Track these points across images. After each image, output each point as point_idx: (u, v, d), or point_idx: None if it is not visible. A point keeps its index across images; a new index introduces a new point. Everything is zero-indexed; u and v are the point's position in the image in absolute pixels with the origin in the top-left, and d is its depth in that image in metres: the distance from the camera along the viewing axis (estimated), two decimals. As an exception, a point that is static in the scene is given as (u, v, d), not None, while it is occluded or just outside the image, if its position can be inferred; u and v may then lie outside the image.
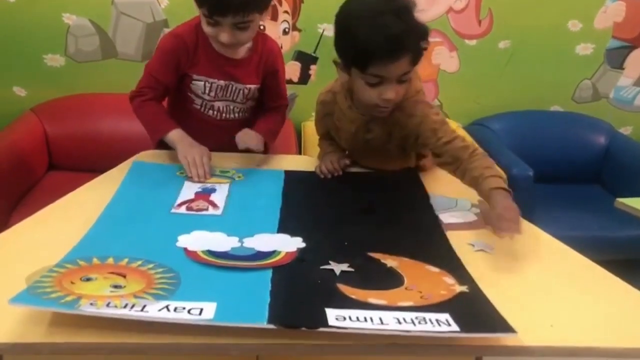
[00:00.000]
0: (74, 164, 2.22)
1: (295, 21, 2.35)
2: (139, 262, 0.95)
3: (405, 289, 0.92)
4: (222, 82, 1.53)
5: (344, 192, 1.41)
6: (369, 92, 1.28)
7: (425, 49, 1.26)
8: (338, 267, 0.97)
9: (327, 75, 2.39)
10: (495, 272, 1.09)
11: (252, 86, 1.57)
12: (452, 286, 0.92)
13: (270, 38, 1.60)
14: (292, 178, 1.47)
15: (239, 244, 1.07)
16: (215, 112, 1.59)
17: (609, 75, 2.66)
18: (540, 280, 1.08)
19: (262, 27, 1.76)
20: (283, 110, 1.71)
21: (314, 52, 2.41)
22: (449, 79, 2.58)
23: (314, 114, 1.56)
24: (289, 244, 1.07)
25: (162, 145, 1.55)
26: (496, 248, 1.20)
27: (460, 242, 1.20)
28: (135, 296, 0.83)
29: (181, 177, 1.44)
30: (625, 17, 2.53)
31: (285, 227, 1.16)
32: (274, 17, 2.31)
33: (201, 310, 0.81)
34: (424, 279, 0.96)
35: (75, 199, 1.31)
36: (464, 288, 0.91)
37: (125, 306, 0.80)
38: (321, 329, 0.78)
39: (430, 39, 2.62)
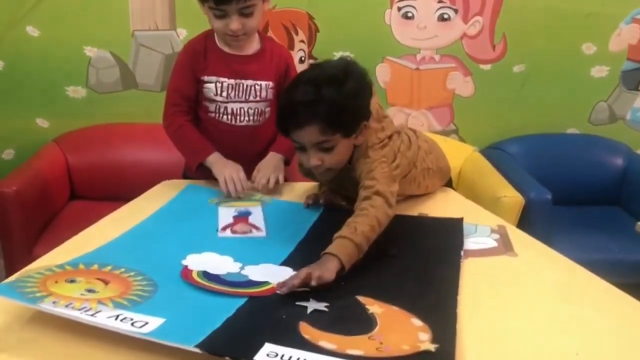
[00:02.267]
0: (96, 193, 2.26)
1: (311, 50, 2.39)
2: (122, 270, 1.05)
3: (369, 338, 0.89)
4: (232, 81, 1.56)
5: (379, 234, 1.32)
6: (300, 156, 1.32)
7: (349, 118, 1.24)
8: (313, 305, 0.96)
9: (343, 101, 2.44)
10: (517, 300, 1.09)
11: (263, 82, 1.59)
12: (420, 342, 0.87)
13: (279, 43, 1.68)
14: (328, 213, 1.45)
15: (237, 270, 1.10)
16: (229, 117, 1.60)
17: (625, 97, 2.66)
18: (563, 306, 1.08)
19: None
20: None
21: (330, 79, 2.44)
22: (464, 104, 2.59)
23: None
24: (284, 277, 1.06)
25: (191, 172, 1.62)
26: (517, 275, 1.21)
27: (478, 269, 1.21)
28: (100, 302, 0.90)
29: (213, 205, 1.48)
30: (640, 39, 2.54)
31: (291, 259, 1.17)
32: (290, 46, 2.35)
33: (145, 323, 0.85)
34: (397, 331, 0.92)
35: (100, 229, 1.34)
36: (431, 347, 0.86)
37: (82, 309, 0.87)
38: None
39: (444, 65, 2.67)
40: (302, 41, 2.36)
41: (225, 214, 1.42)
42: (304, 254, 1.21)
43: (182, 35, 2.30)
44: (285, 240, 1.27)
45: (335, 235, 1.15)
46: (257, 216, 1.40)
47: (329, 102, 1.20)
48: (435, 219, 1.45)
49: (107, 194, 2.21)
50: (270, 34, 2.32)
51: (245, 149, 1.64)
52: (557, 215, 2.19)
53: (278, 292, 1.01)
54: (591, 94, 2.64)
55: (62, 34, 2.27)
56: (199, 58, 1.55)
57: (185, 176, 1.71)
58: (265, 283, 1.05)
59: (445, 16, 2.46)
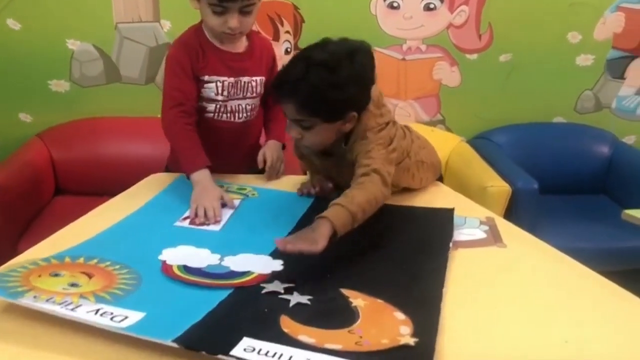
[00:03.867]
0: (81, 188, 2.24)
1: (297, 41, 2.37)
2: (108, 263, 1.05)
3: (348, 331, 0.88)
4: (232, 79, 1.53)
5: (369, 224, 1.29)
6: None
7: (328, 103, 1.22)
8: (296, 299, 0.96)
9: (329, 93, 2.42)
10: (505, 291, 1.09)
11: (258, 78, 1.59)
12: (400, 337, 0.86)
13: (262, 36, 1.67)
14: (320, 205, 1.40)
15: (217, 262, 1.09)
16: (229, 115, 1.59)
17: (610, 86, 2.67)
18: (551, 296, 1.08)
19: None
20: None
21: (316, 71, 2.42)
22: (451, 94, 2.59)
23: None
24: (265, 266, 1.07)
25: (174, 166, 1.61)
26: (505, 265, 1.21)
27: (470, 260, 1.21)
28: (82, 296, 0.90)
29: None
30: (625, 27, 2.55)
31: (279, 251, 1.14)
32: (276, 38, 2.33)
33: (125, 318, 0.86)
34: (378, 324, 0.91)
35: (88, 222, 1.33)
36: (411, 341, 0.85)
37: (63, 303, 0.87)
38: (220, 356, 0.78)
39: (431, 55, 2.64)
40: (288, 32, 2.34)
41: None
42: None
43: (166, 27, 2.27)
44: (275, 231, 1.26)
45: (331, 202, 1.15)
46: (228, 210, 1.38)
47: (310, 86, 1.19)
48: (426, 209, 1.44)
49: (92, 189, 2.19)
50: (255, 25, 2.29)
51: (241, 143, 1.66)
52: (543, 204, 2.20)
53: (279, 247, 1.04)
54: (577, 82, 2.65)
55: (43, 27, 2.24)
56: (197, 55, 1.50)
57: (167, 169, 1.70)
58: (248, 273, 1.05)
59: (431, 6, 2.45)
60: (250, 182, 1.61)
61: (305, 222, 1.32)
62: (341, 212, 1.12)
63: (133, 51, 2.30)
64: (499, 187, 2.06)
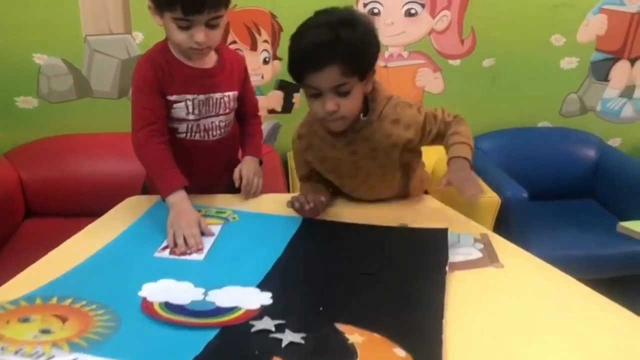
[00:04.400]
0: (53, 210, 2.13)
1: (276, 50, 2.29)
2: (83, 302, 0.96)
3: None
4: (202, 97, 1.46)
5: (358, 248, 1.27)
6: (313, 105, 1.30)
7: (368, 59, 1.28)
8: (288, 338, 0.88)
9: (311, 103, 2.35)
10: (505, 316, 1.03)
11: (231, 93, 1.53)
12: None
13: (230, 49, 1.62)
14: (307, 227, 1.37)
15: (201, 297, 1.01)
16: (202, 134, 1.52)
17: (595, 88, 2.64)
18: (555, 322, 1.03)
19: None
20: (257, 111, 1.70)
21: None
22: (434, 101, 2.53)
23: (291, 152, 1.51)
24: (253, 300, 1.00)
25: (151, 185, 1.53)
26: (504, 288, 1.15)
27: (467, 283, 1.15)
28: (55, 345, 0.83)
29: None
30: (608, 29, 2.52)
31: (268, 281, 1.08)
32: (254, 47, 2.25)
33: None
34: None
35: (60, 255, 1.24)
36: None
37: (34, 354, 0.80)
38: None
39: (413, 61, 2.60)
40: (266, 41, 2.26)
41: None
42: (282, 275, 1.12)
43: (139, 38, 2.18)
44: (261, 259, 1.18)
45: (453, 141, 1.36)
46: (209, 237, 1.30)
47: (347, 42, 1.20)
48: (418, 231, 1.37)
49: (65, 210, 2.10)
50: (232, 34, 2.21)
51: (216, 161, 1.59)
52: (532, 211, 2.15)
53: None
54: (561, 86, 2.62)
55: (7, 41, 2.12)
56: (163, 72, 1.42)
57: (144, 187, 1.61)
58: (235, 309, 0.97)
59: (412, 11, 2.39)
60: (230, 202, 1.53)
61: (294, 247, 1.26)
62: (468, 149, 1.35)
63: (104, 64, 2.20)
64: (489, 198, 2.01)
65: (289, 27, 2.26)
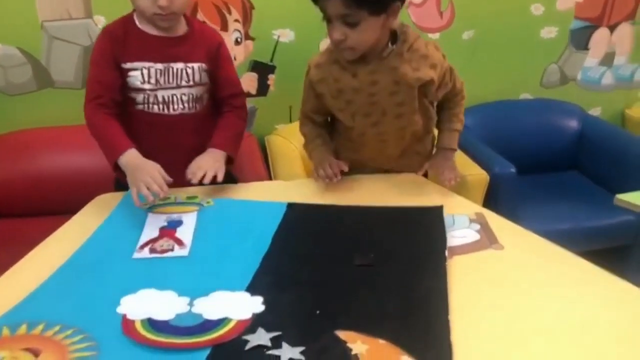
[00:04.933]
0: (17, 210, 1.98)
1: (248, 29, 2.17)
2: (56, 329, 0.85)
3: None
4: (159, 65, 1.41)
5: (351, 236, 1.19)
6: (327, 30, 1.31)
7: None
8: (286, 354, 0.80)
9: (287, 84, 2.24)
10: (513, 304, 0.98)
11: (196, 65, 1.45)
12: None
13: (209, 26, 1.55)
14: (294, 213, 1.27)
15: (187, 308, 0.92)
16: (161, 106, 1.44)
17: (575, 57, 2.59)
18: (565, 305, 0.98)
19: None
20: (240, 103, 1.57)
21: (271, 61, 2.24)
22: (415, 76, 2.45)
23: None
24: (245, 308, 0.91)
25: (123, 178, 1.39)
26: (508, 273, 1.09)
27: (469, 269, 1.09)
28: None
29: (143, 210, 1.28)
30: (587, -5, 2.46)
31: (258, 282, 0.99)
32: (224, 27, 2.13)
33: None
34: None
35: (26, 267, 1.12)
36: None
37: None
38: None
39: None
40: (237, 20, 2.15)
41: (152, 224, 1.23)
42: (272, 273, 1.03)
43: (101, 23, 2.03)
44: (246, 256, 1.09)
45: (448, 126, 1.54)
46: (187, 227, 1.20)
47: None
48: (412, 210, 1.29)
49: (31, 210, 1.97)
50: (200, 15, 2.09)
51: (184, 140, 1.47)
52: (518, 185, 2.10)
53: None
54: (542, 56, 2.56)
55: (-43, 31, 1.97)
56: (117, 42, 1.39)
57: (118, 183, 1.49)
58: (225, 321, 0.88)
59: (388, -16, 2.29)
60: (202, 193, 1.43)
61: (282, 238, 1.16)
62: (457, 137, 1.54)
63: (65, 52, 2.06)
64: (477, 175, 1.95)
65: (261, 4, 2.17)
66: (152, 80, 1.41)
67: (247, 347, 0.82)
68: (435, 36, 2.39)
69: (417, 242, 1.15)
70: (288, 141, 2.13)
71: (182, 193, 1.38)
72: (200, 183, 1.37)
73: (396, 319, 0.89)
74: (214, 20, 2.11)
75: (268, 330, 0.85)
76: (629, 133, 2.51)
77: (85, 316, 0.90)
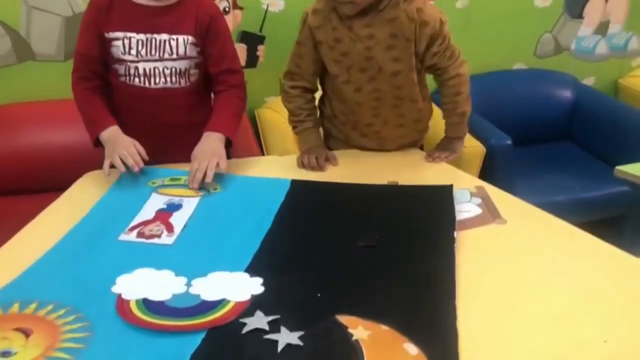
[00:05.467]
0: (4, 187, 1.92)
1: (236, -1, 2.10)
2: (49, 308, 0.82)
3: None
4: (141, 36, 1.36)
5: (355, 215, 1.15)
6: None
7: None
8: (284, 339, 0.77)
9: (277, 55, 2.17)
10: (520, 282, 0.96)
11: (180, 37, 1.38)
12: None
13: None
14: (297, 191, 1.23)
15: (184, 288, 0.89)
16: (142, 78, 1.39)
17: (570, 26, 2.55)
18: (574, 281, 0.97)
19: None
20: (237, 81, 1.49)
21: (260, 31, 2.17)
22: (408, 46, 2.40)
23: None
24: (243, 290, 0.87)
25: None
26: (513, 248, 1.07)
27: (473, 245, 1.06)
28: None
29: (150, 188, 1.25)
30: (582, -39, 2.41)
31: (257, 263, 0.96)
32: (211, -3, 2.06)
33: None
34: None
35: (18, 247, 1.08)
36: None
37: None
38: None
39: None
40: (224, -11, 2.07)
41: (152, 204, 1.20)
42: (273, 253, 1.00)
43: (83, -8, 1.95)
44: (247, 236, 1.05)
45: (455, 120, 1.55)
46: (183, 213, 1.16)
47: None
48: (420, 189, 1.26)
49: (17, 188, 1.89)
50: (186, -17, 2.01)
51: (166, 117, 1.42)
52: (515, 157, 2.07)
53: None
54: (536, 25, 2.52)
55: None
56: (103, 12, 1.35)
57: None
58: (223, 303, 0.84)
59: (380, -49, 2.22)
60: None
61: (284, 217, 1.12)
62: (464, 128, 1.58)
63: (45, 23, 1.97)
64: (473, 147, 1.92)
65: (250, -28, 2.10)
66: (133, 52, 1.36)
67: (244, 330, 0.79)
68: (439, 11, 2.32)
69: (424, 222, 1.11)
70: (279, 114, 2.08)
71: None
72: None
73: (400, 304, 0.86)
74: (201, -11, 2.03)
75: (266, 313, 0.82)
76: (622, 103, 2.50)
77: (79, 295, 0.87)
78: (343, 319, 0.81)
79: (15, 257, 1.01)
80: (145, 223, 1.12)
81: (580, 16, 2.54)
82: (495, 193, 1.31)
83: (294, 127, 1.53)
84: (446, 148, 1.52)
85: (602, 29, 2.60)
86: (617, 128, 2.31)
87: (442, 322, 0.81)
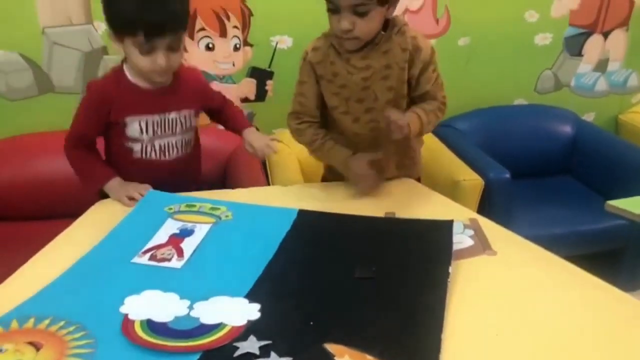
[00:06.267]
0: (19, 212, 2.01)
1: (246, 36, 2.20)
2: (61, 324, 0.90)
3: None
4: (156, 117, 1.48)
5: (355, 247, 1.19)
6: (331, 20, 1.36)
7: None
8: None
9: (285, 89, 2.26)
10: (506, 311, 1.00)
11: (187, 112, 1.53)
12: None
13: (185, 65, 1.57)
14: (304, 221, 1.28)
15: (186, 311, 0.95)
16: (157, 154, 1.53)
17: (569, 64, 2.63)
18: (558, 312, 1.00)
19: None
20: (226, 99, 1.72)
21: (269, 67, 2.27)
22: (411, 82, 2.48)
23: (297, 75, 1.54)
24: (240, 315, 0.93)
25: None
26: (500, 277, 1.12)
27: (462, 276, 1.11)
28: None
29: (166, 214, 1.32)
30: (581, 4, 2.50)
31: (258, 289, 1.01)
32: (223, 34, 2.16)
33: None
34: None
35: (43, 261, 1.16)
36: None
37: None
38: None
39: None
40: (236, 27, 2.18)
41: (166, 229, 1.26)
42: (273, 281, 1.05)
43: (101, 29, 2.06)
44: (251, 263, 1.10)
45: (409, 110, 1.42)
46: (195, 239, 1.23)
47: None
48: (421, 223, 1.30)
49: (33, 213, 1.99)
50: (200, 21, 2.12)
51: (179, 179, 1.54)
52: (512, 190, 2.13)
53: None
54: (536, 62, 2.60)
55: (-40, 38, 1.99)
56: (112, 101, 1.45)
57: (103, 193, 1.53)
58: (220, 326, 0.90)
59: (385, -9, 2.32)
60: (223, 196, 1.48)
61: (288, 247, 1.17)
62: (417, 121, 1.40)
63: (65, 58, 2.09)
64: (472, 180, 1.98)
65: (260, 11, 2.20)
66: (150, 131, 1.48)
67: (236, 353, 0.83)
68: (431, 42, 2.41)
69: (422, 256, 1.14)
70: (286, 146, 2.16)
71: (208, 203, 1.40)
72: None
73: (388, 335, 0.89)
74: (213, 27, 2.14)
75: (259, 338, 0.86)
76: (621, 139, 2.55)
77: (89, 314, 0.93)
78: (331, 347, 0.84)
79: (33, 276, 1.08)
80: (158, 247, 1.18)
81: (579, 54, 2.62)
82: (488, 225, 1.35)
83: (316, 153, 1.57)
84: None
85: (601, 66, 2.68)
86: (617, 163, 2.35)
87: (427, 354, 0.84)
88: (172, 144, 1.53)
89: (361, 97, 1.46)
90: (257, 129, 1.67)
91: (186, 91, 1.53)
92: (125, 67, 1.46)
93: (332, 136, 1.54)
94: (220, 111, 1.67)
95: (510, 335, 0.93)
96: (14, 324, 0.90)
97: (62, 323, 0.90)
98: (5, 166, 2.03)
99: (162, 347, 0.85)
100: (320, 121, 1.57)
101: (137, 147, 1.50)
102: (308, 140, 1.55)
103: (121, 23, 1.36)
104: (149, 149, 1.51)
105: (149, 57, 1.37)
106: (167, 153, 1.53)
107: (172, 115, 1.50)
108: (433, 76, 1.48)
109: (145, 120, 1.47)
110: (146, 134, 1.48)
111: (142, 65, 1.38)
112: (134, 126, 1.46)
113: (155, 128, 1.49)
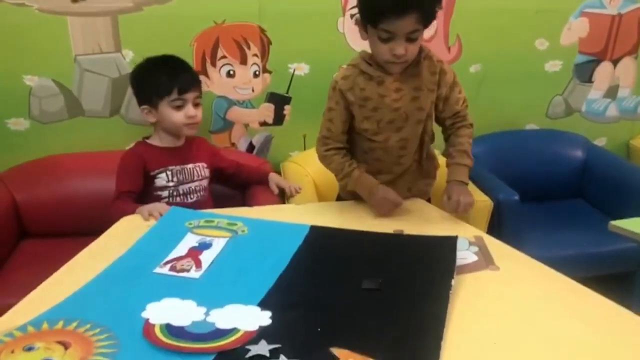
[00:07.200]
0: (49, 230, 2.11)
1: (265, 63, 2.31)
2: (87, 326, 0.98)
3: None
4: (178, 167, 1.87)
5: (363, 260, 1.27)
6: (381, 48, 1.44)
7: (436, 11, 1.45)
8: None
9: (301, 114, 2.37)
10: (505, 323, 1.05)
11: (200, 163, 1.94)
12: None
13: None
14: (315, 236, 1.37)
15: (203, 317, 1.02)
16: (182, 197, 1.88)
17: (579, 90, 2.69)
18: (554, 324, 1.05)
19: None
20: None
21: (287, 92, 2.37)
22: (424, 107, 2.56)
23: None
24: (252, 321, 1.00)
25: None
26: (501, 292, 1.17)
27: (464, 289, 1.17)
28: None
29: (186, 228, 1.42)
30: (590, 32, 2.57)
31: (269, 298, 1.09)
32: (243, 61, 2.27)
33: None
34: None
35: (71, 271, 1.26)
36: None
37: None
38: None
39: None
40: (255, 55, 2.28)
41: (186, 243, 1.35)
42: (284, 291, 1.12)
43: (129, 57, 2.18)
44: (263, 274, 1.19)
45: (455, 161, 1.62)
46: (212, 252, 1.31)
47: None
48: (427, 239, 1.37)
49: (61, 230, 2.09)
50: (221, 49, 2.23)
51: None
52: (523, 212, 2.17)
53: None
54: (547, 88, 2.66)
55: (-2, 64, 2.12)
56: (141, 158, 1.83)
57: None
58: (234, 331, 0.98)
59: (399, 20, 2.42)
60: (240, 212, 1.57)
61: (299, 259, 1.25)
62: (468, 172, 1.62)
63: (95, 83, 2.20)
64: (481, 202, 2.03)
65: (278, 40, 2.31)
66: (175, 179, 1.87)
67: (248, 355, 0.90)
68: (443, 69, 2.50)
69: (426, 269, 1.21)
70: (302, 167, 2.24)
71: (225, 219, 1.50)
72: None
73: (390, 342, 0.95)
74: (234, 55, 2.25)
75: (269, 342, 0.93)
76: (632, 164, 2.58)
77: (113, 317, 1.01)
78: (337, 351, 0.91)
79: (63, 283, 1.17)
80: (178, 259, 1.27)
81: (589, 80, 2.68)
82: (493, 243, 1.41)
83: (344, 181, 1.64)
84: (460, 190, 1.58)
85: (611, 92, 2.73)
86: (628, 188, 2.38)
87: (426, 358, 0.91)
88: (193, 189, 1.90)
89: (392, 118, 1.56)
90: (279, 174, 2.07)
91: (197, 149, 1.96)
92: (148, 139, 1.91)
93: (359, 163, 1.62)
94: (239, 172, 2.07)
95: (508, 344, 0.99)
96: (45, 326, 0.98)
97: (88, 325, 0.98)
98: (37, 185, 2.14)
99: (180, 348, 0.93)
100: (344, 147, 1.64)
101: (164, 193, 1.85)
102: (336, 168, 1.64)
103: (157, 89, 1.81)
104: (174, 193, 1.86)
105: (181, 112, 1.82)
106: (189, 196, 1.89)
107: (189, 166, 1.90)
108: (461, 97, 1.62)
109: (171, 170, 1.85)
110: (172, 181, 1.85)
111: (176, 119, 1.83)
112: (162, 176, 1.84)
113: (179, 176, 1.87)
